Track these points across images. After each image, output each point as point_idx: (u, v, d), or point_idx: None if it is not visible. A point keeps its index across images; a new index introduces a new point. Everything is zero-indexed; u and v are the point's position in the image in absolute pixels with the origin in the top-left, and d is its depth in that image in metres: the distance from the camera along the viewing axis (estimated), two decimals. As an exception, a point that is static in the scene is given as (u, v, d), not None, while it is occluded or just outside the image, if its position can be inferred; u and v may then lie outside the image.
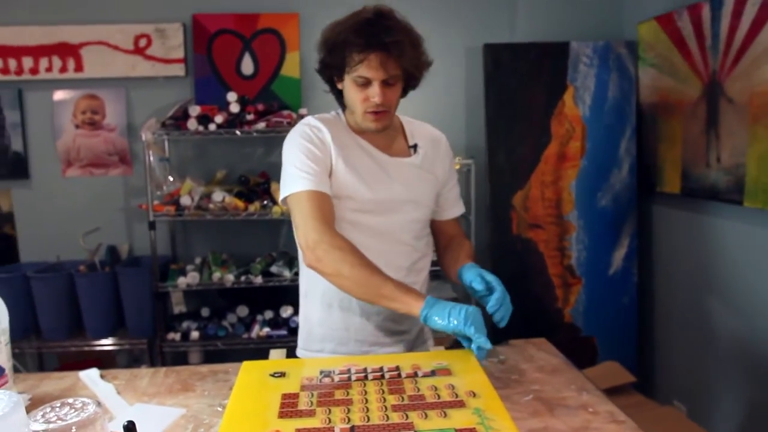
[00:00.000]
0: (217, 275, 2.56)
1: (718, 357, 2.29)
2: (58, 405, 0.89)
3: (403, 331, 1.40)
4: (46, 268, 2.66)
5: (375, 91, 1.22)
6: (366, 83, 1.23)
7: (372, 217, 1.33)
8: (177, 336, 2.59)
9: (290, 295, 2.64)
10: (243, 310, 2.70)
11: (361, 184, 1.30)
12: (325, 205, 1.23)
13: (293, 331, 2.60)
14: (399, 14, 1.26)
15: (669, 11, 2.37)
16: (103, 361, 2.80)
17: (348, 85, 1.26)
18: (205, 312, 2.74)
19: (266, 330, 2.61)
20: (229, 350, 2.65)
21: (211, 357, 2.72)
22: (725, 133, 2.08)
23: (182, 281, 2.56)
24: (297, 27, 2.78)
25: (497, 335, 1.35)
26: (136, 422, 1.07)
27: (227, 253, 2.80)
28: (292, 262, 2.67)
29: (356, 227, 1.33)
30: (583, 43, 2.66)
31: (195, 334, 2.59)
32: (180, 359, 2.72)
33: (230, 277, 2.56)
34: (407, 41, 1.21)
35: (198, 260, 2.76)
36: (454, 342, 2.68)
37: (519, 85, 2.67)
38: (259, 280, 2.58)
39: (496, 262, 2.72)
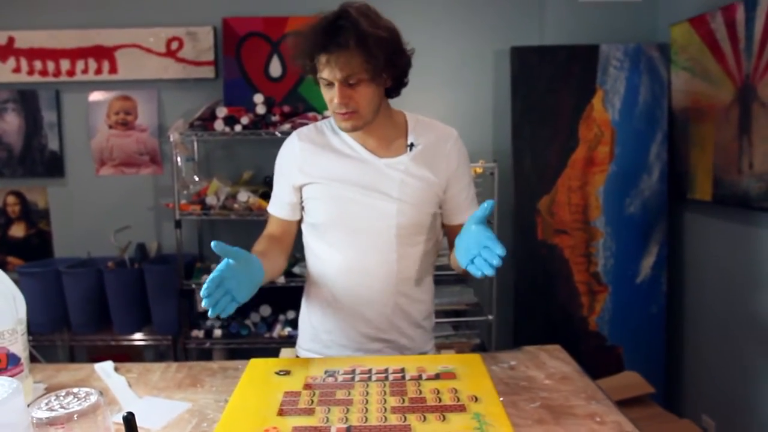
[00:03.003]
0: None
1: (751, 371, 2.20)
2: (63, 394, 0.91)
3: (387, 339, 1.37)
4: (77, 263, 2.74)
5: (334, 92, 1.21)
6: (330, 84, 1.22)
7: (352, 221, 1.31)
8: (201, 333, 2.64)
9: (312, 295, 2.66)
10: (266, 310, 2.73)
11: (339, 188, 1.30)
12: (273, 224, 1.42)
13: (314, 332, 2.61)
14: (365, 10, 1.20)
15: (702, 13, 2.31)
16: (131, 356, 2.87)
17: (321, 87, 1.27)
18: (229, 310, 2.77)
19: (288, 330, 2.63)
20: (251, 348, 2.67)
21: (234, 355, 2.75)
22: (758, 139, 2.00)
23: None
24: (324, 30, 2.80)
25: (520, 341, 1.32)
26: (142, 414, 1.09)
27: (252, 252, 2.83)
28: (314, 263, 2.68)
29: (335, 230, 1.33)
30: (613, 46, 2.61)
31: (218, 332, 2.63)
32: (204, 356, 2.76)
33: (253, 277, 2.59)
34: (365, 37, 1.16)
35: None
36: (474, 347, 2.65)
37: (546, 89, 2.63)
38: (281, 280, 2.60)
39: (520, 267, 2.69)
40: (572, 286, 2.67)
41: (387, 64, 1.22)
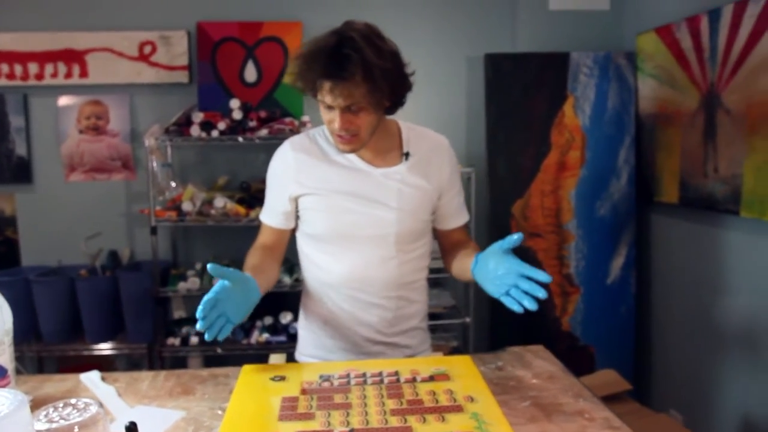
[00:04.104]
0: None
1: (715, 366, 2.30)
2: (61, 405, 0.90)
3: (389, 342, 1.40)
4: (47, 272, 2.68)
5: (335, 118, 1.21)
6: (330, 108, 1.22)
7: (352, 232, 1.33)
8: (176, 341, 2.60)
9: (290, 301, 2.65)
10: (243, 316, 2.71)
11: (337, 199, 1.31)
12: (266, 233, 1.42)
13: (292, 337, 2.61)
14: (369, 35, 1.19)
15: (668, 23, 2.40)
16: (102, 366, 2.79)
17: (320, 107, 1.26)
18: (205, 317, 2.74)
19: (265, 336, 2.62)
20: (228, 356, 2.65)
21: (210, 362, 2.72)
22: (723, 144, 2.10)
23: (183, 286, 2.57)
24: (300, 36, 2.81)
25: (496, 343, 1.35)
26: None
27: (228, 258, 2.81)
28: (292, 268, 2.68)
29: (335, 240, 1.34)
30: (583, 54, 2.69)
31: (194, 340, 2.60)
32: (179, 364, 2.72)
33: (230, 283, 2.57)
34: (363, 72, 1.15)
35: (198, 266, 2.77)
36: (452, 350, 2.69)
37: (520, 95, 2.70)
38: (259, 285, 2.58)
39: (496, 270, 2.73)
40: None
41: (390, 92, 1.22)
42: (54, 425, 0.84)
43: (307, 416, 0.98)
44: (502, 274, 1.11)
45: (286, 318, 2.69)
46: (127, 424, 0.89)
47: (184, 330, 2.65)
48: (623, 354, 2.74)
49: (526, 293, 1.06)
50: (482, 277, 1.17)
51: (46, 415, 0.87)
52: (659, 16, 2.52)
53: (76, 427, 0.85)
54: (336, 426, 0.94)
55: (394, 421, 0.95)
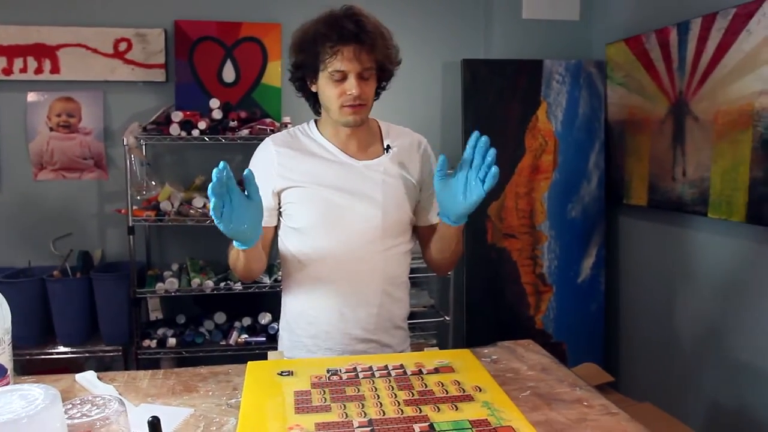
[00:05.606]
0: (196, 281, 2.55)
1: (681, 361, 2.42)
2: (79, 402, 0.89)
3: (372, 339, 1.41)
4: (16, 273, 2.59)
5: (351, 84, 1.25)
6: (342, 77, 1.26)
7: (337, 224, 1.34)
8: (153, 343, 2.56)
9: (268, 301, 2.65)
10: (221, 317, 2.69)
11: (322, 191, 1.33)
12: None
13: (272, 338, 2.61)
14: (368, 12, 1.31)
15: (637, 34, 2.51)
16: (73, 369, 2.72)
17: (323, 83, 1.29)
18: (180, 319, 2.71)
19: (244, 336, 2.61)
20: (206, 357, 2.62)
21: (187, 364, 2.67)
22: (691, 149, 2.21)
23: (160, 287, 2.53)
24: (279, 37, 2.81)
25: (473, 342, 1.39)
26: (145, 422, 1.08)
27: (204, 259, 2.78)
28: (271, 269, 2.67)
29: (320, 233, 1.35)
30: (555, 62, 2.78)
31: (172, 341, 2.56)
32: (151, 366, 2.67)
33: (210, 283, 2.55)
34: (378, 33, 1.27)
35: (175, 266, 2.73)
36: (432, 348, 2.72)
37: (495, 100, 2.77)
38: (239, 286, 2.57)
39: (471, 270, 2.80)
40: (520, 287, 2.81)
41: (393, 59, 1.33)
42: (76, 421, 0.84)
43: (324, 408, 1.00)
44: (465, 182, 1.24)
45: (265, 318, 2.68)
46: (150, 419, 0.89)
47: (160, 332, 2.61)
48: (594, 350, 2.84)
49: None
50: (452, 202, 1.28)
51: (65, 412, 0.86)
52: (628, 27, 2.63)
53: (98, 422, 0.85)
54: (354, 417, 0.97)
55: (409, 411, 0.98)
